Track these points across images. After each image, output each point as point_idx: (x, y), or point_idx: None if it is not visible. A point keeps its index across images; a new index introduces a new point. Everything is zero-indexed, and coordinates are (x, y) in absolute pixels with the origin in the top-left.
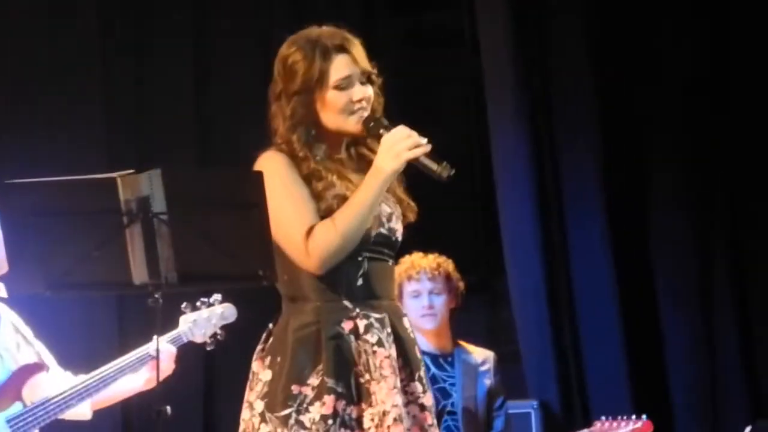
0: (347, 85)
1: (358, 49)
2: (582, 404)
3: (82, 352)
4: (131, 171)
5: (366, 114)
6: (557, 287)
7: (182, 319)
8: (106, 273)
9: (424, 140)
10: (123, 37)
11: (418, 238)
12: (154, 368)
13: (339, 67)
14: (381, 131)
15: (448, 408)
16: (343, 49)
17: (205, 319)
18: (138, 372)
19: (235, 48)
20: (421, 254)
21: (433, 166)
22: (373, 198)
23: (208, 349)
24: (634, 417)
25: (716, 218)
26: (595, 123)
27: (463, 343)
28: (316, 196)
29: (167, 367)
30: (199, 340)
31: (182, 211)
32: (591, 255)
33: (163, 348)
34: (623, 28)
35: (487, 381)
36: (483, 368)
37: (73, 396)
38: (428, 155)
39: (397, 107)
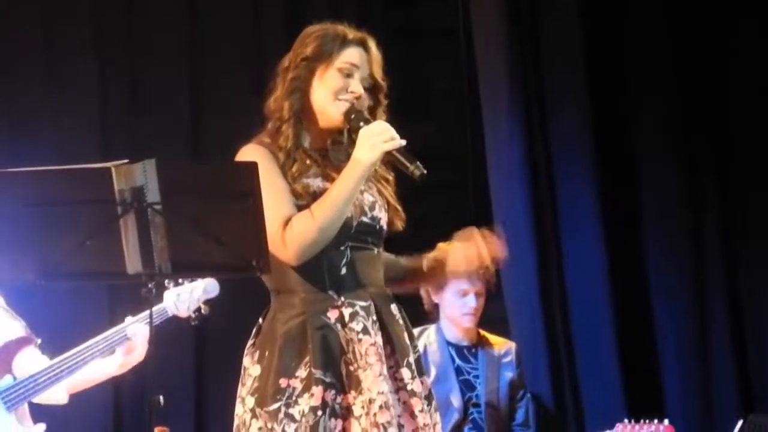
0: (350, 73)
1: (376, 55)
2: (573, 396)
3: (72, 338)
4: (126, 161)
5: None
6: (550, 279)
7: (166, 293)
8: (100, 262)
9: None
10: (118, 30)
11: (410, 232)
12: (128, 352)
13: (350, 54)
14: (360, 124)
15: (473, 400)
16: (361, 44)
17: (188, 293)
18: (113, 355)
19: (229, 43)
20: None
21: (407, 163)
22: (351, 190)
23: (193, 324)
24: (656, 421)
25: (708, 210)
26: (589, 116)
27: (483, 333)
28: (294, 192)
29: (142, 349)
30: (183, 314)
31: (176, 201)
32: (584, 246)
33: (139, 330)
34: (618, 22)
35: (509, 374)
36: (505, 360)
37: (63, 370)
38: (403, 151)
39: (390, 101)
